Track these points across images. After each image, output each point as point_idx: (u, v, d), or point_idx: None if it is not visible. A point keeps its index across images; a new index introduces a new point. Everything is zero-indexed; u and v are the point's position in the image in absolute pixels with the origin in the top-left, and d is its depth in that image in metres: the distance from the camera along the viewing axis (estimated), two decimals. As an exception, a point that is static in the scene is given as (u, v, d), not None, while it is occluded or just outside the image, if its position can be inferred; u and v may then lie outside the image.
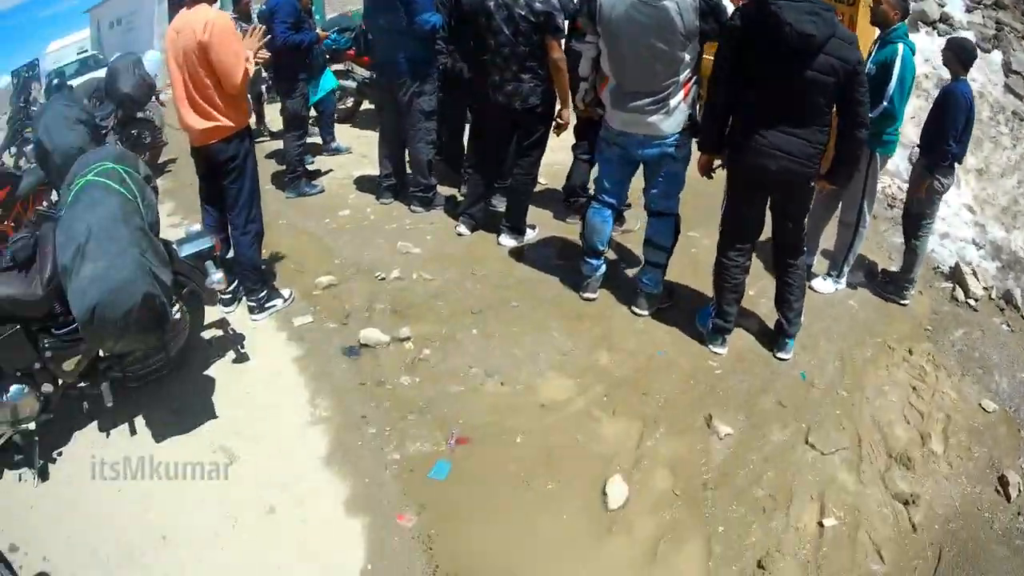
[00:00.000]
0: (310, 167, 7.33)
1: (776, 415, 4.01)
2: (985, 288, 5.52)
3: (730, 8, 4.03)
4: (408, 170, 6.38)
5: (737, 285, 4.33)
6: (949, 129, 4.75)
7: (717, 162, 4.27)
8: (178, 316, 3.97)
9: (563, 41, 4.83)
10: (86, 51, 23.65)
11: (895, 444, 3.92)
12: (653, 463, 3.69)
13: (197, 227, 4.10)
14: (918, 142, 5.28)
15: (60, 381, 3.62)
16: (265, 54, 4.36)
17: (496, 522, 3.36)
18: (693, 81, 4.14)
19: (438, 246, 5.62)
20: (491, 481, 3.55)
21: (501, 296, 4.95)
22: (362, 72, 8.35)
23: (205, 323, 4.43)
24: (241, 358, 4.38)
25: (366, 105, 9.11)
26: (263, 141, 8.27)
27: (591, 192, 5.90)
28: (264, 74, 7.84)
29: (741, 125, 3.96)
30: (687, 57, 4.01)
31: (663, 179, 4.43)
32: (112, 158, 3.59)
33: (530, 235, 5.73)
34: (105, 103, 7.28)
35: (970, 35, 8.93)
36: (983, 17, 9.87)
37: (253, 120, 8.29)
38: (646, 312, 4.79)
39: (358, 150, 8.02)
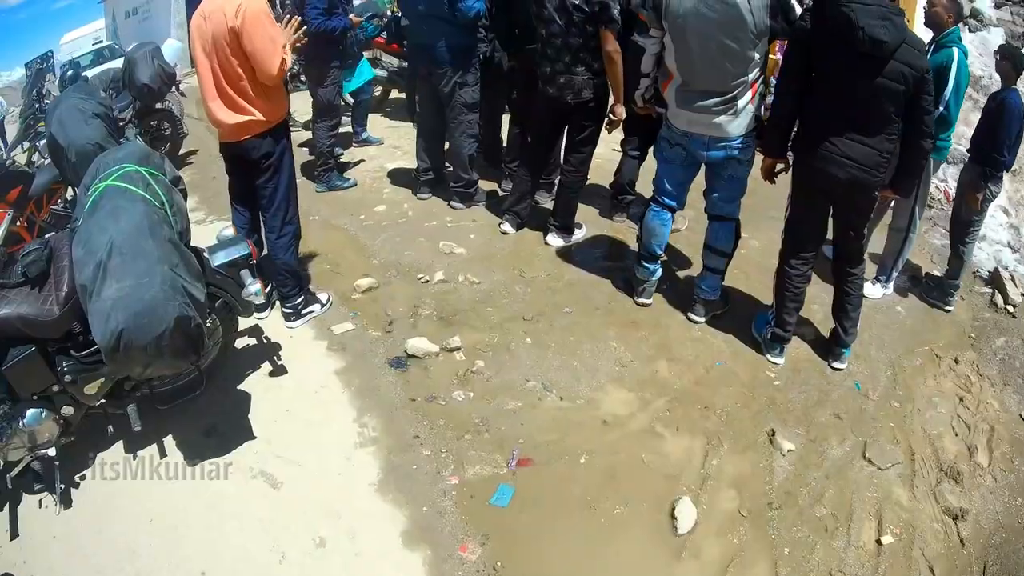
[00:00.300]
0: (341, 159, 7.03)
1: (834, 428, 3.85)
2: (1023, 294, 5.37)
3: (798, 9, 3.79)
4: (447, 164, 6.08)
5: (799, 294, 4.16)
6: (1003, 139, 4.61)
7: (779, 166, 4.06)
8: (210, 327, 3.68)
9: (618, 32, 4.50)
10: (101, 41, 23.39)
11: (945, 457, 3.78)
12: (719, 483, 3.49)
13: (229, 231, 3.80)
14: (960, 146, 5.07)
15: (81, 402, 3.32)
16: (301, 39, 4.03)
17: (564, 550, 3.11)
18: (760, 81, 3.91)
19: (482, 245, 5.34)
20: (556, 506, 3.30)
21: (552, 301, 4.68)
22: (391, 60, 8.02)
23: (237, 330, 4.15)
24: (278, 371, 4.10)
25: (395, 94, 8.79)
26: (291, 132, 7.96)
27: (639, 191, 5.71)
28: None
29: (808, 131, 3.80)
30: (756, 56, 3.78)
31: (726, 182, 4.20)
32: (135, 159, 3.26)
33: (578, 235, 5.44)
34: (123, 94, 6.99)
35: (999, 31, 8.78)
36: (1012, 13, 9.62)
37: None
38: (703, 319, 4.56)
39: (389, 141, 7.72)
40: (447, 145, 5.97)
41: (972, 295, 5.39)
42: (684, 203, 4.46)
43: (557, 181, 5.85)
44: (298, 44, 3.99)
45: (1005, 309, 5.19)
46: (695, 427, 3.77)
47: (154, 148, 7.21)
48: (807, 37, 3.58)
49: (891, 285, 5.16)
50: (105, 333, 2.71)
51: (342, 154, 7.12)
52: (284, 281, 4.35)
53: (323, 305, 4.57)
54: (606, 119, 4.87)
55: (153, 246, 2.89)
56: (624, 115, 4.77)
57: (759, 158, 4.09)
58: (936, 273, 5.40)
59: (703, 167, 4.25)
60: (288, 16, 4.06)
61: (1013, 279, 5.41)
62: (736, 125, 3.92)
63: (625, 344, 4.31)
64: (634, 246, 5.30)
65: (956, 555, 3.32)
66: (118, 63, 8.14)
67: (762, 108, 4.02)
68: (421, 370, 4.06)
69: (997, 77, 5.15)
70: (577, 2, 4.41)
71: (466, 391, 3.91)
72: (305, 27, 4.07)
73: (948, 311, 5.06)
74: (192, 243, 3.41)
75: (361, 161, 7.15)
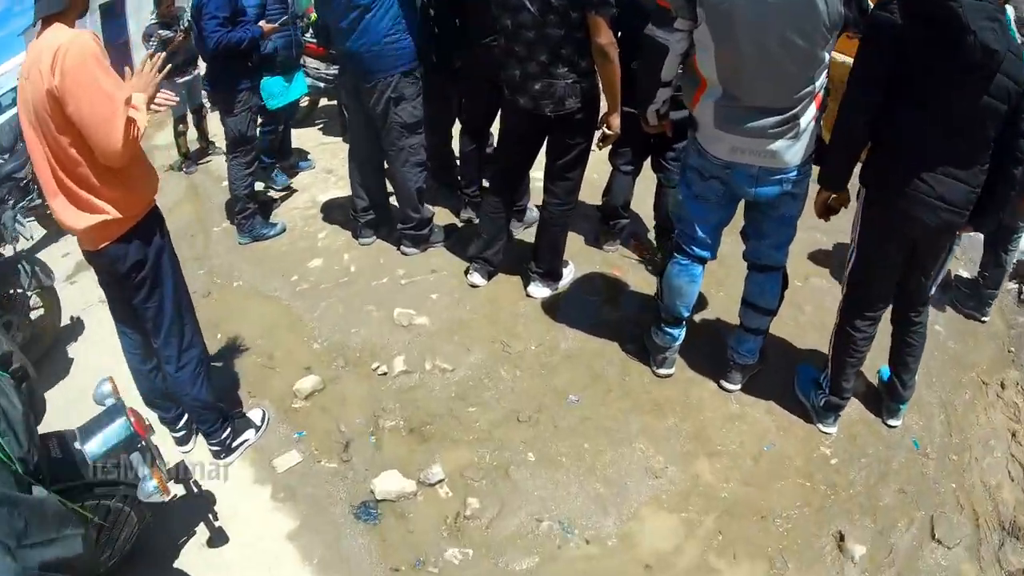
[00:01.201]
0: (272, 193, 5.91)
1: (901, 509, 3.20)
2: None
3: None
4: (392, 198, 4.96)
5: (862, 358, 3.36)
6: None
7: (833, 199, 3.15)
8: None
9: (612, 18, 3.39)
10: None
11: (1005, 512, 3.25)
12: (793, 619, 2.68)
13: (107, 387, 2.77)
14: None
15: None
16: (170, 99, 2.83)
17: None
18: (824, 90, 2.91)
19: (449, 309, 4.26)
20: None
21: (551, 386, 3.69)
22: (316, 65, 6.75)
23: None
24: (217, 537, 3.08)
25: (324, 102, 7.53)
26: (208, 161, 6.80)
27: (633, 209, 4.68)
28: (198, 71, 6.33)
29: (889, 162, 2.87)
30: (826, 57, 2.76)
31: (777, 224, 3.23)
32: None
33: (566, 277, 4.40)
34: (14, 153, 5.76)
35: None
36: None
37: (195, 137, 6.84)
38: (738, 387, 3.68)
39: (321, 163, 6.47)
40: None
41: (1000, 293, 4.68)
42: (717, 250, 3.46)
43: (529, 207, 4.85)
44: (162, 103, 2.80)
45: None
46: (755, 549, 2.98)
47: (47, 229, 6.02)
48: (895, 35, 2.60)
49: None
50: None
51: (270, 190, 5.97)
52: (202, 417, 3.31)
53: (258, 428, 3.53)
54: (598, 133, 3.80)
55: None
56: (619, 128, 3.71)
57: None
58: (964, 274, 4.74)
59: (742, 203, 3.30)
60: (151, 55, 2.84)
61: (1041, 273, 4.82)
62: (796, 151, 2.93)
63: (654, 442, 3.39)
64: (635, 283, 4.37)
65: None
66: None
67: (820, 123, 3.03)
68: (398, 520, 3.08)
69: None
70: None
71: (462, 547, 2.95)
72: (168, 68, 2.83)
73: (984, 321, 4.43)
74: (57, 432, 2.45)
75: (290, 192, 5.98)
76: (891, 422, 3.56)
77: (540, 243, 4.23)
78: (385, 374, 3.81)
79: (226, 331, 4.21)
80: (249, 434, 3.49)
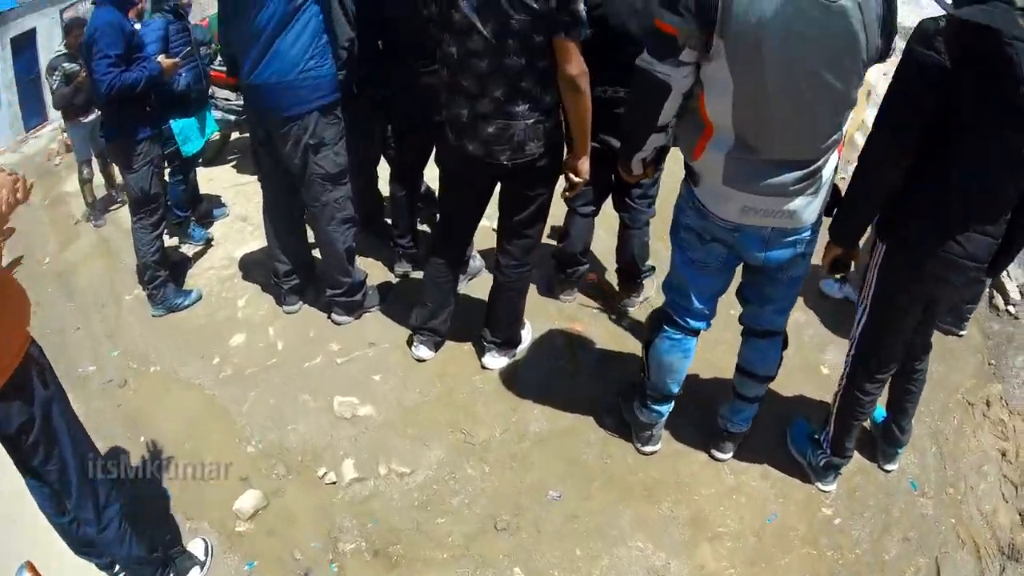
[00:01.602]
0: (185, 249, 5.29)
1: (906, 558, 3.06)
2: (1019, 285, 4.74)
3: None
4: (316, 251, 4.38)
5: (867, 417, 3.17)
6: None
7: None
8: None
9: (583, 44, 2.84)
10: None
11: (1003, 536, 3.19)
12: None
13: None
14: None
15: None
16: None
17: None
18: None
19: (396, 392, 3.75)
20: None
21: (527, 483, 3.29)
22: (225, 95, 6.16)
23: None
24: None
25: (236, 135, 6.88)
26: (118, 208, 6.17)
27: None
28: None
29: (922, 220, 2.54)
30: (857, 98, 2.39)
31: (786, 287, 2.87)
32: None
33: (524, 340, 3.96)
34: None
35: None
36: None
37: (103, 185, 6.17)
38: (730, 455, 3.39)
39: (235, 208, 5.82)
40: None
41: (973, 303, 4.70)
42: (713, 315, 3.06)
43: (472, 255, 4.37)
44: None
45: (1007, 311, 4.54)
46: (772, 639, 2.69)
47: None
48: (939, 79, 2.22)
49: None
50: None
51: (184, 244, 5.37)
52: (138, 573, 2.82)
53: (203, 565, 3.02)
54: (565, 183, 3.26)
55: None
56: (588, 174, 3.20)
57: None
58: None
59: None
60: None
61: (1008, 273, 4.75)
62: (814, 208, 2.55)
63: (651, 535, 3.05)
64: (600, 339, 4.01)
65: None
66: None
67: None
68: (379, 671, 2.68)
69: None
70: None
71: None
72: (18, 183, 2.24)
73: (962, 336, 4.30)
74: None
75: (205, 245, 5.36)
76: (888, 467, 3.40)
77: (495, 309, 3.74)
78: (335, 483, 3.33)
79: (148, 432, 3.65)
80: (194, 573, 3.00)
